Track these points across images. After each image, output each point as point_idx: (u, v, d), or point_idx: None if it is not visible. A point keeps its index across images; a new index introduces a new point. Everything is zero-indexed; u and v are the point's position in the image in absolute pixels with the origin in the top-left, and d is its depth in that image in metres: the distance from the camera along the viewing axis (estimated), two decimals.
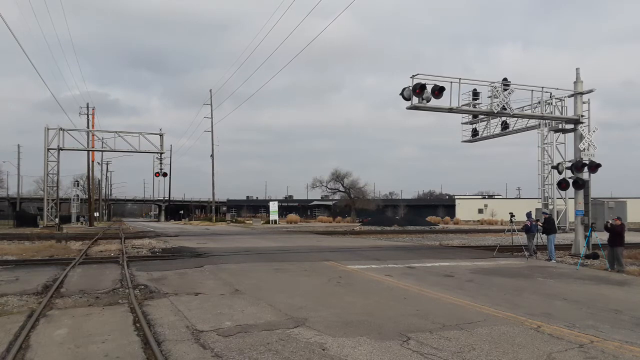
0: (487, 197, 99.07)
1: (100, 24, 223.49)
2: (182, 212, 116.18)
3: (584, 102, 19.52)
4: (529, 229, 18.69)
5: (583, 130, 19.30)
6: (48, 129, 39.46)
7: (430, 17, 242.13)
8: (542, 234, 18.19)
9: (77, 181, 73.48)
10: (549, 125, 19.84)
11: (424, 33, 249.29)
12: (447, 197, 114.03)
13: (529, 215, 18.80)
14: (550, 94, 19.48)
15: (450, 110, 18.25)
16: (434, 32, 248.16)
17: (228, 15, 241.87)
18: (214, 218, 73.92)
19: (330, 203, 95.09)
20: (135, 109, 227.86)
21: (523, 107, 19.62)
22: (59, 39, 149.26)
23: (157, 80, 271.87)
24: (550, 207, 19.40)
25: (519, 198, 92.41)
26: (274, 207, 68.03)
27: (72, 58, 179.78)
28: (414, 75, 17.15)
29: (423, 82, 16.99)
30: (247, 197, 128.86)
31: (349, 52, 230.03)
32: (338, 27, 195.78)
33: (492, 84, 18.59)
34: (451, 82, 17.66)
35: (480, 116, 21.58)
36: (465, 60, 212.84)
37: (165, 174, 48.21)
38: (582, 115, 19.42)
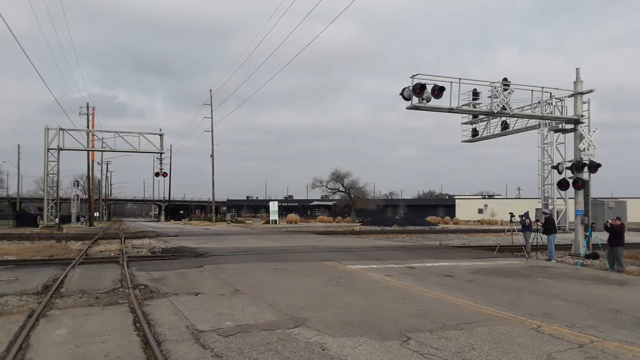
0: (487, 197, 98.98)
1: (109, 30, 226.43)
2: (182, 212, 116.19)
3: (583, 102, 19.51)
4: (525, 227, 18.89)
5: (583, 130, 19.30)
6: (48, 129, 39.44)
7: (429, 22, 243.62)
8: (543, 234, 18.22)
9: (77, 181, 73.45)
10: (549, 125, 19.83)
11: (423, 38, 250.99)
12: (447, 197, 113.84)
13: (526, 214, 19.04)
14: (550, 94, 19.47)
15: (450, 110, 18.24)
16: (432, 37, 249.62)
17: (232, 21, 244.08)
18: (214, 218, 73.92)
19: (330, 203, 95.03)
20: (139, 110, 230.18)
21: (523, 107, 19.61)
22: (60, 44, 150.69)
23: (161, 83, 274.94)
24: (550, 207, 19.39)
25: (519, 198, 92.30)
26: (274, 207, 68.01)
27: (81, 62, 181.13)
28: (414, 75, 17.10)
29: (423, 82, 16.95)
30: (247, 197, 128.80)
31: (350, 56, 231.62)
32: (339, 32, 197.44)
33: (492, 84, 18.56)
34: (451, 82, 17.63)
35: (480, 116, 21.56)
36: (463, 65, 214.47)
37: (165, 174, 48.14)
38: (582, 115, 19.42)
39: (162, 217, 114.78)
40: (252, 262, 16.33)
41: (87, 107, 58.47)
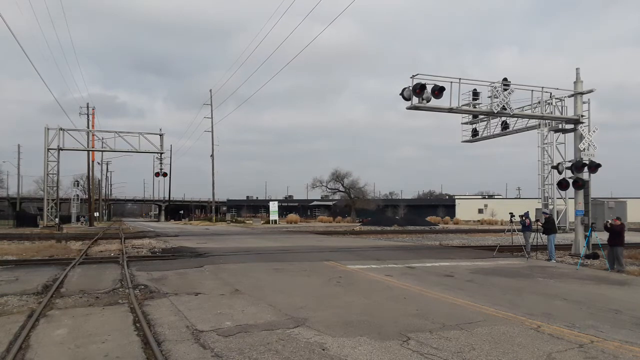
0: (487, 197, 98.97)
1: (109, 30, 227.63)
2: (182, 212, 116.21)
3: (584, 102, 19.51)
4: (525, 227, 18.95)
5: (583, 130, 19.30)
6: (48, 129, 39.45)
7: (429, 22, 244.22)
8: (543, 234, 18.23)
9: (77, 181, 73.42)
10: (549, 125, 19.82)
11: (423, 38, 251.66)
12: (447, 197, 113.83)
13: (526, 214, 19.07)
14: (550, 94, 19.47)
15: (450, 110, 18.24)
16: (432, 37, 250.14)
17: (232, 21, 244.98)
18: (214, 218, 73.92)
19: (330, 203, 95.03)
20: (139, 110, 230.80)
21: (523, 107, 19.61)
22: (60, 44, 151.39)
23: (161, 83, 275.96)
24: (550, 207, 19.39)
25: (519, 198, 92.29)
26: (274, 207, 68.01)
27: (81, 62, 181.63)
28: (414, 75, 17.10)
29: (423, 82, 16.95)
30: (247, 197, 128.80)
31: (350, 56, 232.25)
32: (339, 32, 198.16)
33: (492, 84, 18.56)
34: (451, 82, 17.63)
35: (480, 116, 21.57)
36: (463, 65, 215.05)
37: (165, 174, 48.10)
38: (582, 115, 19.42)
39: (162, 217, 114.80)
40: (252, 262, 16.33)
41: (87, 107, 58.53)
